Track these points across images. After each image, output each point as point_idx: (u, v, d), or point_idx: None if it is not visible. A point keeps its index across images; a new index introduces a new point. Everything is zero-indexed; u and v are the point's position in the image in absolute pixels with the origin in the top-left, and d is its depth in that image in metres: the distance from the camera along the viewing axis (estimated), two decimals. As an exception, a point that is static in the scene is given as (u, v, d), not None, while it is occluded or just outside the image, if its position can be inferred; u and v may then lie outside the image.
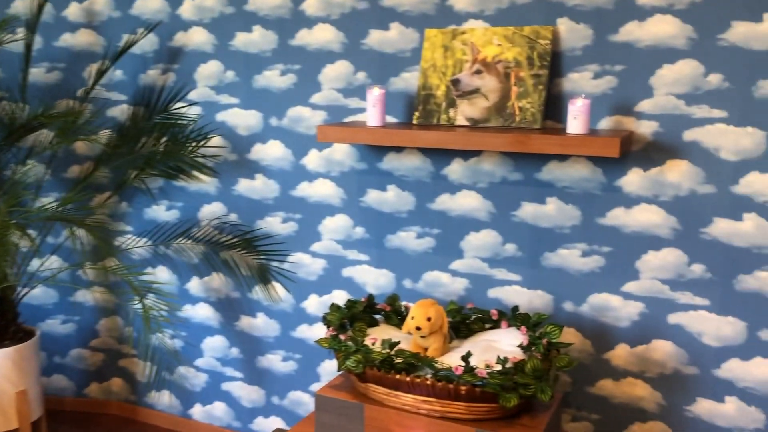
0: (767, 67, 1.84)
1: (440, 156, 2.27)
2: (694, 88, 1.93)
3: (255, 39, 2.50)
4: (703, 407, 2.07)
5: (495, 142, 1.94)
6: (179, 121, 2.64)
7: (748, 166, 1.91)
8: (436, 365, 1.74)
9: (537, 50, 2.05)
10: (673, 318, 2.06)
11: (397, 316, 2.10)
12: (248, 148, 2.59)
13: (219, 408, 2.86)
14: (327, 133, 2.16)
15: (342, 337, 1.88)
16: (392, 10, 2.25)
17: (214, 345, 2.82)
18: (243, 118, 2.58)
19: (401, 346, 1.91)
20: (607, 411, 2.19)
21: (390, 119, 2.32)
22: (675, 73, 1.94)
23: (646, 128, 2.00)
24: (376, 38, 2.30)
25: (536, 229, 2.18)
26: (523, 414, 1.80)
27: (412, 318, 1.85)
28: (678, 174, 1.98)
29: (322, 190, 2.48)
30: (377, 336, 1.96)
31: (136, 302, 2.35)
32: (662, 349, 2.09)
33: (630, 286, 2.10)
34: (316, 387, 2.64)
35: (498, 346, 1.87)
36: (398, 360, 1.78)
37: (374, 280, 2.45)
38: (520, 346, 1.84)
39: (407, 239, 2.37)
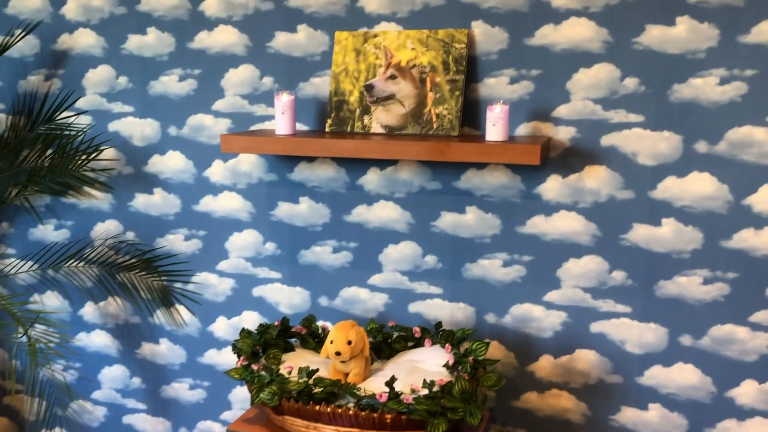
0: (682, 71, 1.83)
1: (355, 165, 2.15)
2: (611, 92, 1.90)
3: (150, 42, 2.30)
4: (628, 416, 2.04)
5: (414, 151, 1.84)
6: (66, 132, 2.40)
7: (665, 171, 1.89)
8: (358, 393, 1.61)
9: (452, 54, 1.97)
10: (596, 326, 2.03)
11: (314, 339, 1.96)
12: (145, 160, 2.38)
13: (120, 444, 2.62)
14: (232, 143, 2.00)
15: (255, 366, 1.73)
16: (299, 11, 2.12)
17: (114, 375, 2.58)
18: (139, 128, 2.37)
19: (320, 372, 1.77)
20: (533, 424, 2.13)
21: (300, 127, 2.18)
22: (591, 78, 1.91)
23: (563, 134, 1.96)
24: (282, 41, 2.15)
25: (456, 239, 2.10)
26: (452, 438, 1.70)
27: (331, 342, 1.72)
28: (597, 180, 1.95)
29: (228, 203, 2.31)
30: (293, 363, 1.81)
31: (20, 334, 2.10)
32: (586, 358, 2.05)
33: (552, 296, 2.05)
34: (227, 416, 2.46)
35: (423, 367, 1.77)
36: (317, 389, 1.64)
37: (288, 299, 2.30)
38: (446, 365, 1.75)
39: (322, 254, 2.24)
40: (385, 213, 2.15)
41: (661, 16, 1.83)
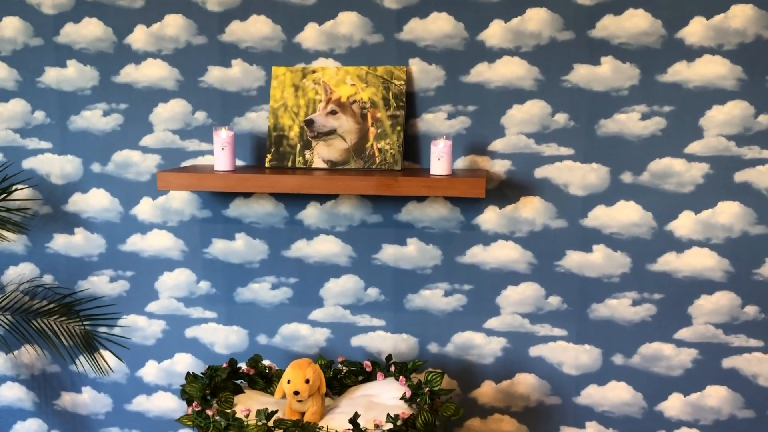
0: (607, 107, 1.96)
1: (295, 200, 2.14)
2: (543, 127, 2.00)
3: (70, 75, 2.19)
4: (567, 435, 2.13)
5: (361, 186, 1.85)
6: (-27, 170, 2.23)
7: (594, 200, 2.01)
8: (322, 432, 1.59)
9: (392, 90, 2.02)
10: (534, 350, 2.11)
11: (262, 379, 1.91)
12: (65, 199, 2.26)
13: (36, 504, 2.43)
14: (169, 181, 1.94)
15: (209, 412, 1.66)
16: (234, 46, 2.09)
17: (28, 430, 2.39)
18: (57, 165, 2.24)
19: (276, 414, 1.73)
20: (477, 450, 2.18)
21: (238, 162, 2.14)
22: (524, 113, 2.01)
23: (499, 167, 2.04)
24: (216, 76, 2.12)
25: (398, 271, 2.13)
26: (412, 470, 1.71)
27: (288, 381, 1.69)
28: (531, 210, 2.04)
29: (157, 242, 2.23)
30: (246, 405, 1.76)
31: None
32: (526, 381, 2.12)
33: (492, 323, 2.11)
34: None
35: (379, 401, 1.77)
36: (278, 431, 1.60)
37: (224, 338, 2.24)
38: (403, 398, 1.76)
39: (260, 291, 2.20)
40: (325, 247, 2.15)
41: (587, 56, 1.95)
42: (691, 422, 2.06)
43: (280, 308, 2.20)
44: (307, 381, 1.69)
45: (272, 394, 1.89)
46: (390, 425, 1.62)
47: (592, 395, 2.10)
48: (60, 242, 2.28)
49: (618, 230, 2.01)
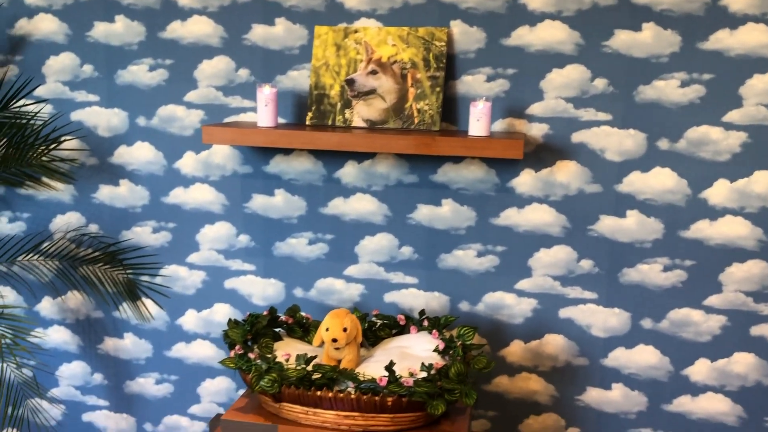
0: (646, 74, 1.97)
1: (333, 158, 2.19)
2: (582, 92, 2.02)
3: (118, 30, 2.25)
4: (592, 396, 2.18)
5: (400, 145, 1.90)
6: (23, 121, 2.31)
7: (630, 166, 2.03)
8: (358, 378, 1.66)
9: (433, 52, 2.04)
10: (564, 312, 2.15)
11: (300, 328, 1.98)
12: (111, 151, 2.33)
13: (79, 442, 2.55)
14: (213, 134, 2.00)
15: (251, 355, 1.74)
16: (278, 5, 2.13)
17: (73, 372, 2.51)
18: (104, 118, 2.31)
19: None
20: (504, 407, 2.24)
21: (279, 119, 2.19)
22: (564, 78, 2.02)
23: (537, 130, 2.06)
24: (260, 34, 2.16)
25: (432, 231, 2.17)
26: (442, 419, 1.78)
27: (327, 329, 1.76)
28: (567, 174, 2.07)
29: (199, 196, 2.30)
30: (284, 351, 1.84)
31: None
32: (554, 342, 2.17)
33: (523, 284, 2.16)
34: (196, 409, 2.44)
35: (412, 353, 1.83)
36: (316, 375, 1.67)
37: (261, 290, 2.31)
38: (436, 350, 1.82)
39: (298, 246, 2.26)
40: (361, 205, 2.20)
41: (629, 22, 1.96)
42: (716, 387, 2.10)
43: (316, 263, 2.26)
44: (345, 330, 1.75)
45: (309, 342, 1.96)
46: (424, 373, 1.68)
47: (619, 357, 2.14)
48: (105, 193, 2.36)
49: (652, 196, 2.03)
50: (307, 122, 2.11)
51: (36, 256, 2.39)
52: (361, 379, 1.66)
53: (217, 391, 2.41)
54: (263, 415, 1.76)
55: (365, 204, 2.19)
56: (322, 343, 1.83)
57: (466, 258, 2.17)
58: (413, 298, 2.22)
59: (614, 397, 2.16)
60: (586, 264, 2.11)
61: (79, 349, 2.49)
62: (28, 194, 2.41)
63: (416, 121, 2.04)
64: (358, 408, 1.65)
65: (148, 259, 2.37)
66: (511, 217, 2.12)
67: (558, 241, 2.11)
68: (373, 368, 1.76)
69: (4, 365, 2.07)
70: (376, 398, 1.63)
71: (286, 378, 1.67)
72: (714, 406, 2.11)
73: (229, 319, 1.91)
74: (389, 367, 1.65)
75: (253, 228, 2.28)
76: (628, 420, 2.17)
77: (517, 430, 2.24)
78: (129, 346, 2.45)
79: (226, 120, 2.23)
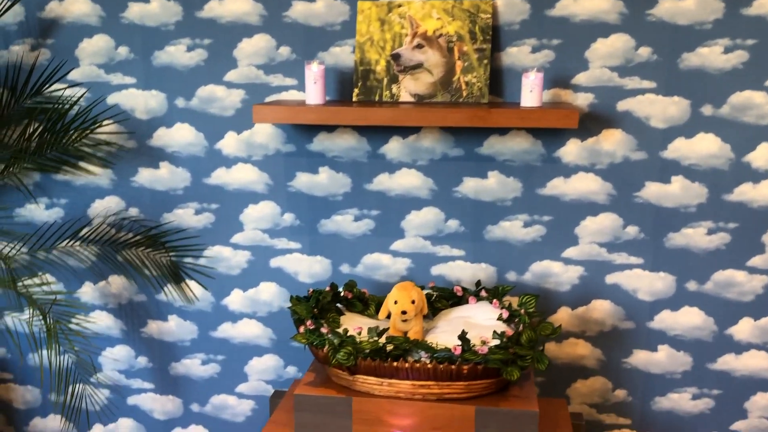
0: (690, 41, 2.00)
1: (377, 134, 2.20)
2: (626, 60, 2.05)
3: (154, 10, 2.22)
4: (639, 358, 2.23)
5: (454, 118, 1.91)
6: (57, 106, 2.28)
7: (675, 133, 2.07)
8: (433, 347, 1.69)
9: (478, 24, 2.05)
10: (611, 278, 2.20)
11: (360, 302, 2.01)
12: (150, 134, 2.32)
13: (125, 426, 2.56)
14: (264, 114, 1.99)
15: (324, 330, 1.76)
16: (319, -20, 2.12)
17: (117, 356, 2.51)
18: (142, 100, 2.30)
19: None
20: (551, 372, 2.29)
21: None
22: (608, 47, 2.05)
23: (582, 100, 2.09)
24: (300, 10, 2.15)
25: (478, 203, 2.20)
26: (510, 386, 1.82)
27: (396, 302, 1.78)
28: (612, 142, 2.10)
29: (242, 176, 2.30)
30: (349, 325, 1.86)
31: (34, 317, 2.01)
32: (601, 308, 2.22)
33: (570, 252, 2.20)
34: (243, 388, 2.46)
35: (475, 322, 1.87)
36: (390, 347, 1.70)
37: (307, 268, 2.33)
38: (500, 318, 1.85)
39: (343, 223, 2.28)
40: (407, 180, 2.22)
41: (673, -10, 1.98)
42: (759, 345, 2.17)
43: (362, 239, 2.28)
44: (413, 302, 1.78)
45: (369, 316, 1.98)
46: (497, 341, 1.71)
47: (665, 320, 2.20)
48: (145, 176, 2.35)
49: (696, 161, 2.08)
50: (354, 98, 2.11)
51: (76, 243, 2.38)
52: (437, 348, 1.69)
53: (265, 369, 2.43)
54: (335, 389, 1.78)
55: (411, 179, 2.21)
56: (388, 316, 1.85)
57: (513, 229, 2.20)
58: (460, 270, 2.26)
59: (660, 359, 2.22)
60: (632, 230, 2.15)
61: (122, 333, 2.49)
62: (65, 180, 2.39)
63: (464, 94, 2.06)
64: (434, 377, 1.68)
65: (191, 240, 2.37)
66: (557, 186, 2.15)
67: (604, 208, 2.15)
68: (441, 338, 1.79)
69: (53, 351, 2.07)
70: (453, 367, 1.66)
71: (360, 351, 1.69)
72: (757, 363, 2.18)
73: (293, 297, 1.93)
74: (463, 336, 1.69)
75: (298, 206, 2.29)
76: (674, 380, 2.23)
77: (565, 394, 2.30)
78: (173, 328, 2.45)
79: (268, 99, 2.23)
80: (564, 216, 2.17)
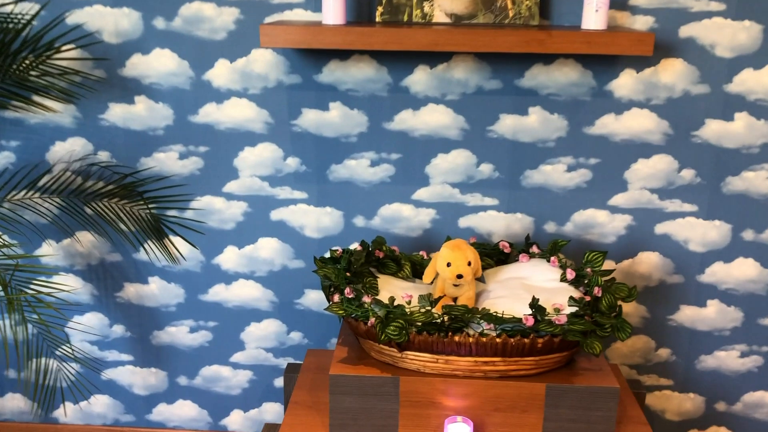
0: (769, -45, 1.74)
1: (400, 63, 1.87)
2: (694, -22, 1.77)
3: None
4: (686, 314, 2.03)
5: (507, 42, 1.60)
6: (4, 25, 1.84)
7: (742, 63, 1.82)
8: (500, 317, 1.42)
9: (527, -69, 1.72)
10: (661, 228, 1.97)
11: (393, 263, 1.71)
12: (121, 62, 1.92)
13: (100, 403, 2.23)
14: (275, 35, 1.64)
15: (366, 299, 1.46)
16: None
17: (88, 325, 2.15)
18: (111, 20, 1.88)
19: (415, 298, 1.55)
20: (590, 332, 2.06)
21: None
22: (674, -39, 1.76)
23: (641, 24, 1.81)
24: None
25: (516, 144, 1.91)
26: (578, 357, 1.57)
27: (449, 264, 1.50)
28: (672, 74, 1.84)
29: (237, 113, 1.93)
30: (387, 291, 1.57)
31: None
32: (648, 261, 2.00)
33: (617, 199, 1.95)
34: (239, 357, 2.16)
35: (533, 284, 1.61)
36: (447, 318, 1.42)
37: (315, 221, 2.01)
38: (564, 280, 1.60)
39: (358, 168, 1.96)
40: (434, 118, 1.90)
41: None
42: (816, 298, 2.00)
43: (380, 187, 1.97)
44: (469, 263, 1.50)
45: (404, 278, 1.70)
46: (574, 308, 1.46)
47: (716, 273, 1.99)
48: (117, 113, 1.96)
49: (763, 96, 1.84)
50: (378, 19, 1.77)
51: (33, 193, 1.98)
52: (505, 318, 1.42)
53: (265, 335, 2.13)
54: (377, 367, 1.50)
55: (438, 116, 1.90)
56: (433, 280, 1.57)
57: (555, 173, 1.93)
58: (492, 221, 1.98)
59: (708, 315, 2.03)
60: (688, 174, 1.91)
61: (93, 298, 2.13)
62: (16, 117, 1.98)
63: (511, 14, 1.74)
64: (502, 352, 1.42)
65: (175, 190, 2.01)
66: (607, 125, 1.88)
67: (658, 149, 1.90)
68: (500, 304, 1.52)
69: (12, 322, 1.71)
70: (526, 340, 1.40)
71: (412, 323, 1.41)
72: (812, 317, 2.01)
73: (318, 258, 1.62)
74: (535, 304, 1.42)
75: (304, 149, 1.95)
76: (722, 337, 2.05)
77: (605, 356, 2.09)
78: (155, 292, 2.11)
79: (268, 20, 1.86)
80: (613, 158, 1.91)
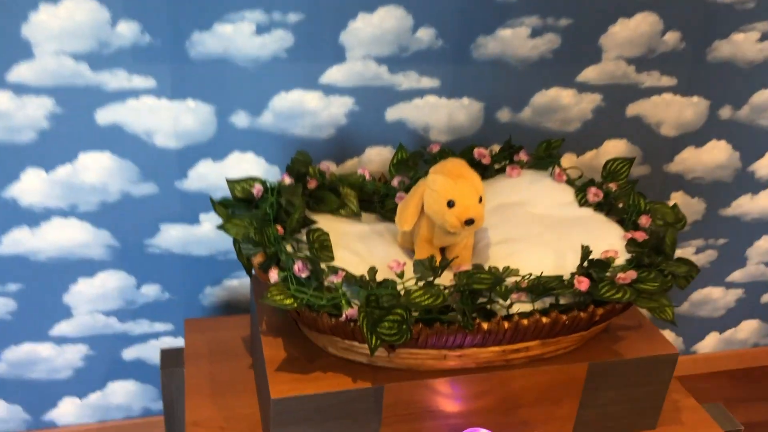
0: None
1: None
2: None
3: None
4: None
5: None
6: None
7: None
8: (546, 284, 0.90)
9: None
10: (633, 108, 1.55)
11: (333, 194, 1.09)
12: None
13: None
14: None
15: (334, 279, 0.86)
16: None
17: None
18: None
19: (390, 247, 0.99)
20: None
21: None
22: None
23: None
24: None
25: (469, 0, 1.33)
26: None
27: (451, 204, 0.93)
28: None
29: None
30: (336, 247, 0.98)
31: None
32: (615, 151, 1.59)
33: (588, 73, 1.49)
34: (64, 328, 1.46)
35: (544, 213, 1.10)
36: (468, 293, 0.88)
37: (171, 122, 1.31)
38: (585, 204, 1.11)
39: (236, 37, 1.27)
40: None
41: None
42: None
43: (271, 65, 1.30)
44: (480, 200, 0.95)
45: (347, 216, 1.10)
46: (630, 254, 0.98)
47: (685, 160, 1.65)
48: None
49: (771, -67, 1.42)
50: None
51: None
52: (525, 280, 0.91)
53: (102, 294, 1.44)
54: (345, 371, 0.94)
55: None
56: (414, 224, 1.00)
57: (516, 40, 1.40)
58: (430, 109, 1.42)
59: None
60: (672, 38, 1.49)
61: None
62: None
63: None
64: (547, 333, 0.92)
65: None
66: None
67: (642, 6, 1.44)
68: (514, 255, 1.00)
69: None
70: (583, 314, 0.91)
71: (417, 307, 0.85)
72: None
73: (214, 201, 0.96)
74: (586, 256, 0.92)
75: (147, 9, 1.20)
76: (681, 233, 1.75)
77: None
78: None
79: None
80: (587, 18, 1.41)
